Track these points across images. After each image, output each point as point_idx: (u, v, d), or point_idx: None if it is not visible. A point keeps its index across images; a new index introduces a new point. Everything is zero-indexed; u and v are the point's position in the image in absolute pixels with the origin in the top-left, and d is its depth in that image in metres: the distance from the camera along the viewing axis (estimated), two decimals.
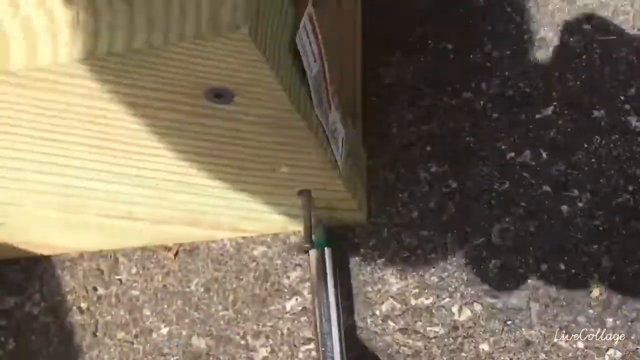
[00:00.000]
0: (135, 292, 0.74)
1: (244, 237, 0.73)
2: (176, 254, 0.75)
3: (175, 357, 0.69)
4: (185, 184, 0.61)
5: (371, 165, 0.71)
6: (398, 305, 0.63)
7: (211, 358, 0.68)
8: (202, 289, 0.72)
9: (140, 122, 0.51)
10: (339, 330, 0.60)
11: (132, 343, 0.72)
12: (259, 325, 0.68)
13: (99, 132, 0.53)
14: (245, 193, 0.62)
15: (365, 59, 0.77)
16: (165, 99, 0.49)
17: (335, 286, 0.62)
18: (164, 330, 0.71)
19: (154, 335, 0.71)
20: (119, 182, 0.61)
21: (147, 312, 0.73)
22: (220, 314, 0.70)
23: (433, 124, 0.71)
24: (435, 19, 0.76)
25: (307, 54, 0.51)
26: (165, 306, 0.72)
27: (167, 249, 0.75)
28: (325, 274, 0.62)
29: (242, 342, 0.67)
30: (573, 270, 0.59)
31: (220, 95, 0.49)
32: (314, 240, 0.62)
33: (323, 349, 0.59)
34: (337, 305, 0.61)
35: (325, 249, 0.63)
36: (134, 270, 0.76)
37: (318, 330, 0.60)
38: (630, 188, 0.61)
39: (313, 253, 0.63)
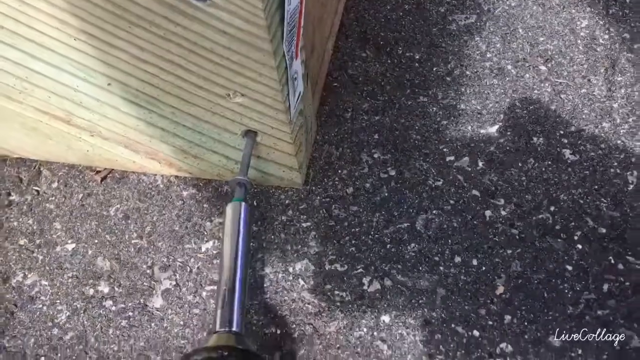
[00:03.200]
0: (50, 206, 0.72)
1: (177, 177, 0.72)
2: (104, 178, 0.73)
3: (73, 273, 0.67)
4: (139, 93, 0.61)
5: (318, 140, 0.73)
6: (312, 267, 0.63)
7: (112, 279, 0.66)
8: (120, 215, 0.70)
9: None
10: (244, 277, 0.56)
11: (33, 252, 0.69)
12: (169, 259, 0.66)
13: (65, 1, 0.53)
14: (194, 119, 0.62)
15: (338, 47, 0.80)
16: None
17: (247, 236, 0.58)
18: (70, 246, 0.69)
19: (58, 248, 0.69)
20: (70, 72, 0.60)
21: (57, 225, 0.70)
22: (133, 241, 0.68)
23: (386, 116, 0.73)
24: (409, 29, 0.80)
25: None
26: (78, 224, 0.70)
27: (96, 171, 0.74)
28: (239, 224, 0.58)
29: (148, 271, 0.66)
30: (484, 268, 0.61)
31: None
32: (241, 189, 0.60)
33: (224, 287, 0.56)
34: (246, 252, 0.57)
35: (242, 203, 0.59)
36: (54, 185, 0.73)
37: (224, 270, 0.56)
38: (552, 209, 0.65)
39: (230, 205, 0.59)
